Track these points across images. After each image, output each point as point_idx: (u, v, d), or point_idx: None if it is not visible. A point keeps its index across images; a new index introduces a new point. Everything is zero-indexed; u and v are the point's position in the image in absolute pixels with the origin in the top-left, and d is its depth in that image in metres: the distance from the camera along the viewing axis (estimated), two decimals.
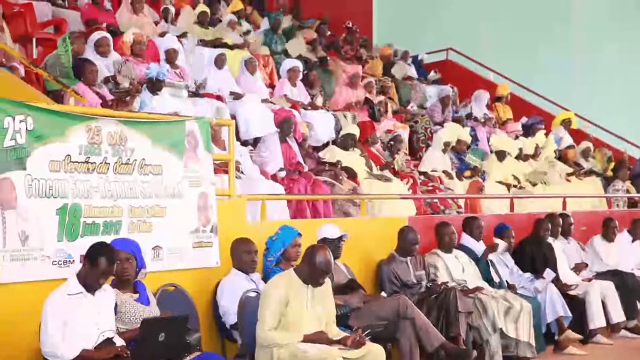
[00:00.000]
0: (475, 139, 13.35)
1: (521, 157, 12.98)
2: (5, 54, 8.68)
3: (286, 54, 13.19)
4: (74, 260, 5.58)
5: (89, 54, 9.64)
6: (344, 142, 10.62)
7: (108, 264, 5.05)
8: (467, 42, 17.65)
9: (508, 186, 11.93)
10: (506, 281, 8.76)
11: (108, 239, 5.58)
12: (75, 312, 4.93)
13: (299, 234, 6.86)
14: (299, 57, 13.05)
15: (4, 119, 5.31)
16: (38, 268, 5.40)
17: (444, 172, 11.43)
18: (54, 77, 8.35)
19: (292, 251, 6.78)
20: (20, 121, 5.38)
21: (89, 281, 5.03)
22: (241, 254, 6.55)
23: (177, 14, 13.18)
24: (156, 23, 12.17)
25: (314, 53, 13.72)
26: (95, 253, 5.05)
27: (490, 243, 8.96)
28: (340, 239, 7.26)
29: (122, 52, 10.29)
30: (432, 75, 16.37)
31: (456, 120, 13.65)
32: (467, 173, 11.74)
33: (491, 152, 12.73)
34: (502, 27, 18.13)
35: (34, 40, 9.55)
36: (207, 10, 13.11)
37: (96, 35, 9.87)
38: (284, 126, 9.82)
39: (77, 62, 8.96)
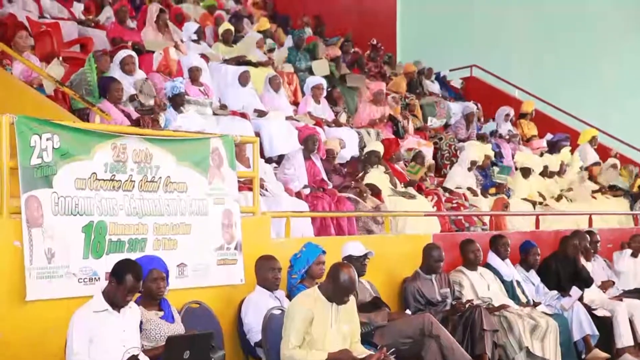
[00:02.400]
0: (499, 155, 13.30)
1: (546, 174, 12.91)
2: (32, 72, 8.77)
3: (310, 72, 13.22)
4: (99, 278, 5.61)
5: (115, 72, 9.71)
6: (368, 159, 10.60)
7: (135, 281, 5.07)
8: (491, 58, 17.63)
9: (533, 203, 11.86)
10: (532, 299, 8.70)
11: (133, 256, 5.61)
12: (101, 330, 4.95)
13: (323, 252, 6.84)
14: (324, 75, 13.09)
15: (31, 137, 5.36)
16: (64, 285, 5.44)
17: (469, 189, 11.38)
18: (80, 95, 8.42)
19: (316, 269, 6.76)
20: (47, 139, 5.44)
21: (115, 298, 5.05)
22: (265, 272, 6.55)
23: (203, 32, 13.26)
24: (182, 41, 12.24)
25: (338, 70, 13.74)
26: (121, 270, 5.07)
27: (517, 261, 8.94)
28: (365, 256, 7.24)
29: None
30: (458, 83, 16.42)
31: (480, 137, 13.62)
32: (492, 190, 11.69)
33: (516, 169, 12.67)
34: (526, 44, 18.07)
35: (60, 59, 9.63)
36: (232, 28, 13.19)
37: (122, 54, 9.94)
38: (308, 143, 9.83)
39: (102, 81, 9.03)
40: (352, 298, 6.04)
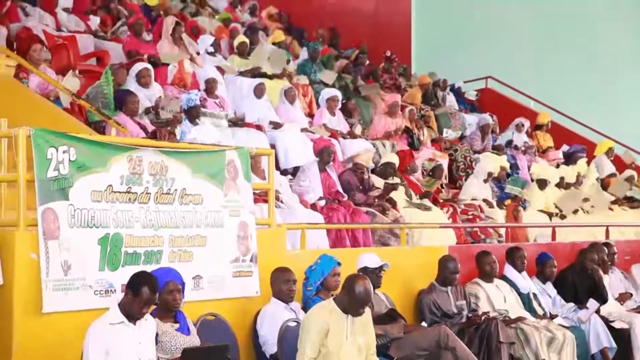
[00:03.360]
0: (515, 167, 13.25)
1: (563, 185, 12.85)
2: (49, 85, 8.82)
3: (325, 84, 13.24)
4: (115, 290, 5.62)
5: (131, 85, 9.75)
6: (384, 170, 10.58)
7: (151, 294, 5.07)
8: (506, 70, 17.59)
9: (550, 215, 11.81)
10: (549, 312, 8.66)
11: (149, 268, 5.62)
12: (117, 342, 4.95)
13: (339, 263, 6.83)
14: (339, 87, 13.10)
15: (48, 149, 5.39)
16: (80, 297, 5.45)
17: (485, 200, 11.34)
18: (96, 108, 8.46)
19: (332, 280, 6.76)
20: (63, 152, 5.46)
21: (131, 311, 5.05)
22: (280, 283, 6.55)
23: (218, 44, 13.30)
24: (197, 53, 12.28)
25: (353, 83, 13.76)
26: (138, 283, 5.08)
27: (533, 273, 8.90)
28: (380, 268, 7.23)
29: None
30: (472, 94, 16.39)
31: (496, 148, 13.58)
32: (508, 202, 11.63)
33: (532, 180, 12.62)
34: (541, 55, 18.04)
35: (76, 71, 9.69)
36: (247, 40, 13.22)
37: (138, 67, 9.98)
38: (323, 155, 9.82)
39: (119, 94, 9.07)
40: (367, 310, 6.03)
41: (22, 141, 5.38)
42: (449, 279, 7.91)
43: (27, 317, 5.25)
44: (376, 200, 9.62)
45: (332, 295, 6.37)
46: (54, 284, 5.30)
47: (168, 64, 10.84)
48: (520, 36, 18.32)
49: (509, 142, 14.34)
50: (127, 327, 5.04)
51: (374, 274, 7.10)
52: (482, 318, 7.67)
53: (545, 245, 10.14)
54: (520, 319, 7.99)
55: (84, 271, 5.49)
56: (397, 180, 10.50)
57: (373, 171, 10.98)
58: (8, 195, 6.00)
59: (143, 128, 8.81)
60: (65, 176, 5.45)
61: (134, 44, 11.56)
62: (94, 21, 12.85)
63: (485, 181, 11.82)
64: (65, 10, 12.48)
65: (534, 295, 8.70)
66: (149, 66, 10.14)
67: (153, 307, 5.37)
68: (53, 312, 5.30)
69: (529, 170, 13.16)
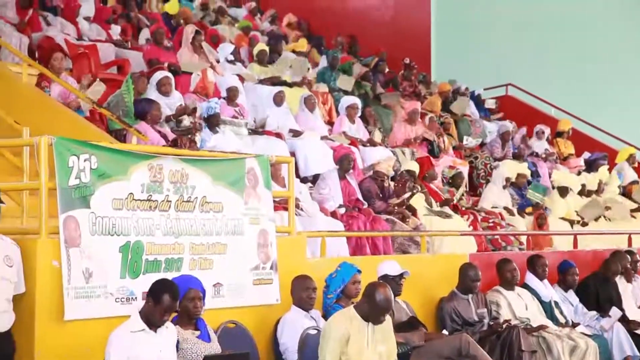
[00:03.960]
0: (536, 174, 13.18)
1: (584, 193, 12.76)
2: (70, 94, 8.87)
3: (345, 91, 13.24)
4: (136, 297, 5.64)
5: (151, 93, 9.79)
6: (403, 178, 10.55)
7: (172, 301, 5.08)
8: (526, 77, 17.53)
9: (571, 222, 11.73)
10: (571, 320, 8.60)
11: (169, 275, 5.64)
12: (138, 349, 4.95)
13: (359, 271, 6.82)
14: (359, 94, 13.10)
15: (69, 158, 5.42)
16: (101, 305, 5.47)
17: (505, 208, 11.29)
18: (117, 116, 8.49)
19: (352, 288, 6.74)
20: (85, 160, 5.49)
21: (152, 318, 5.06)
22: (300, 291, 6.54)
23: (238, 52, 13.35)
24: (217, 61, 12.32)
25: (373, 90, 13.76)
26: (158, 290, 5.08)
27: (554, 281, 8.84)
28: (400, 276, 7.21)
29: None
30: (491, 104, 16.34)
31: (516, 156, 13.53)
32: (529, 209, 11.57)
33: (553, 188, 12.55)
34: (562, 62, 17.96)
35: (98, 80, 9.74)
36: (266, 48, 13.26)
37: (158, 75, 10.01)
38: (343, 163, 9.83)
39: (140, 103, 9.09)
40: (388, 318, 6.01)
41: (44, 149, 5.41)
42: (469, 287, 7.88)
43: (49, 325, 5.27)
44: (396, 207, 9.60)
45: (353, 303, 6.36)
46: (75, 291, 5.32)
47: (188, 73, 10.88)
48: (540, 43, 18.25)
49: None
50: (148, 335, 5.04)
51: (395, 282, 7.09)
52: (504, 326, 7.64)
53: (567, 253, 10.07)
54: (542, 327, 7.95)
55: (105, 279, 5.51)
56: (417, 187, 10.47)
57: (393, 179, 10.96)
58: (30, 203, 6.07)
59: (163, 136, 8.83)
60: (87, 184, 5.48)
61: (154, 52, 11.61)
62: (115, 30, 12.94)
63: (504, 187, 11.75)
64: (87, 19, 12.58)
65: (556, 303, 8.65)
66: (170, 74, 10.17)
67: (174, 314, 5.37)
68: (74, 320, 5.32)
69: (549, 177, 13.09)
